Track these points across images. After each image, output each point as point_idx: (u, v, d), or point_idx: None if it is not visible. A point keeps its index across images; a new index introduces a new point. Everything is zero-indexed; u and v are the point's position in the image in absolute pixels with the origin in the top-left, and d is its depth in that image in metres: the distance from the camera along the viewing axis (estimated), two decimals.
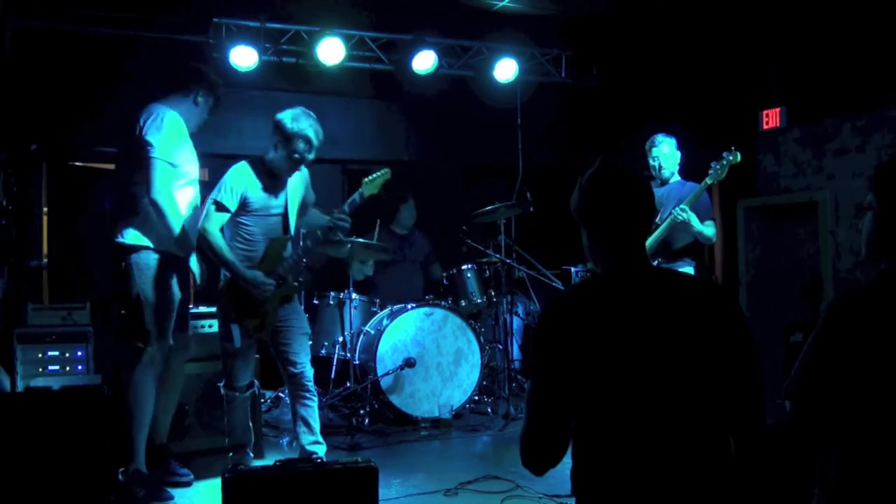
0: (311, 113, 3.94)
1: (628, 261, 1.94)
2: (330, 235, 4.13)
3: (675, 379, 1.81)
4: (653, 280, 1.93)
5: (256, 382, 4.20)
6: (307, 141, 3.86)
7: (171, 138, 3.83)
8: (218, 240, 3.79)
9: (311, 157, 3.92)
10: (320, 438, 4.05)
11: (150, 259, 3.88)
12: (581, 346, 1.83)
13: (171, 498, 3.88)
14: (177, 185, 3.88)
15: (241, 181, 3.85)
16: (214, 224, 3.79)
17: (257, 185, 3.89)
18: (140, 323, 3.86)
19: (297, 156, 3.86)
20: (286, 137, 3.83)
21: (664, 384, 1.81)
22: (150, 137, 3.77)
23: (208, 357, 4.46)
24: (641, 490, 1.80)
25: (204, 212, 3.81)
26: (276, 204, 3.97)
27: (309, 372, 4.02)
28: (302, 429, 4.00)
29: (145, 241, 3.87)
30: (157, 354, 3.92)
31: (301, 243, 4.08)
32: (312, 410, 4.01)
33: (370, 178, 4.21)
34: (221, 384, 4.07)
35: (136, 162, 3.83)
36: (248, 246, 3.90)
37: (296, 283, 4.06)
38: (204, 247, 3.81)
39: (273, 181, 3.94)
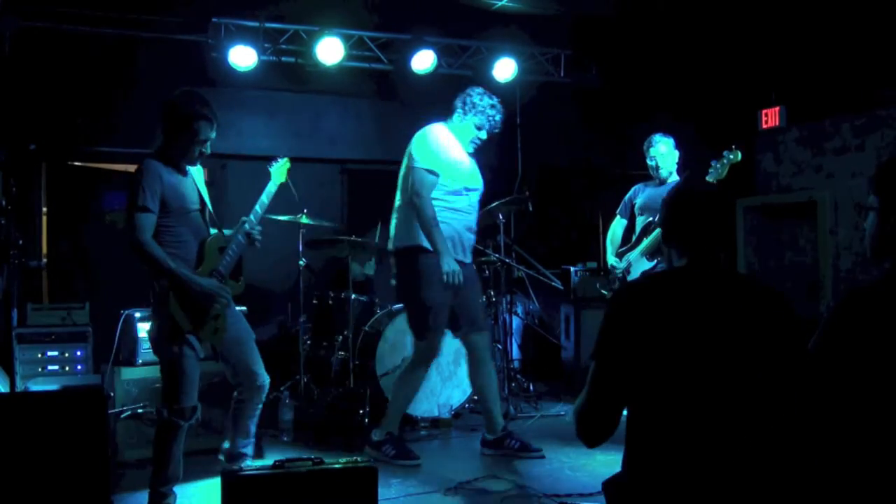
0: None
1: (699, 261, 2.06)
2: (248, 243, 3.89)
3: (731, 375, 1.90)
4: (719, 280, 2.04)
5: (200, 406, 3.75)
6: (207, 119, 3.59)
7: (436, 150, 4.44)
8: (156, 249, 3.49)
9: (213, 136, 3.66)
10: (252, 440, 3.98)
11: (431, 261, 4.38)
12: (644, 335, 1.95)
13: (418, 458, 4.49)
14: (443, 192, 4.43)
15: (156, 179, 3.53)
16: (146, 232, 3.49)
17: (170, 180, 3.59)
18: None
19: (202, 137, 3.60)
20: (185, 122, 3.56)
21: (720, 379, 1.90)
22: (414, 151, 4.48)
23: (207, 356, 4.45)
24: (691, 479, 1.87)
25: (132, 224, 3.48)
26: (191, 200, 3.68)
27: (267, 381, 3.89)
28: (241, 433, 3.89)
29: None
30: (426, 351, 4.48)
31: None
32: (257, 419, 3.95)
33: (276, 166, 4.12)
34: (165, 409, 3.61)
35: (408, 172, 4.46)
36: (179, 249, 3.60)
37: (238, 283, 3.83)
38: (142, 258, 3.51)
39: (180, 175, 3.68)
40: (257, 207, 3.88)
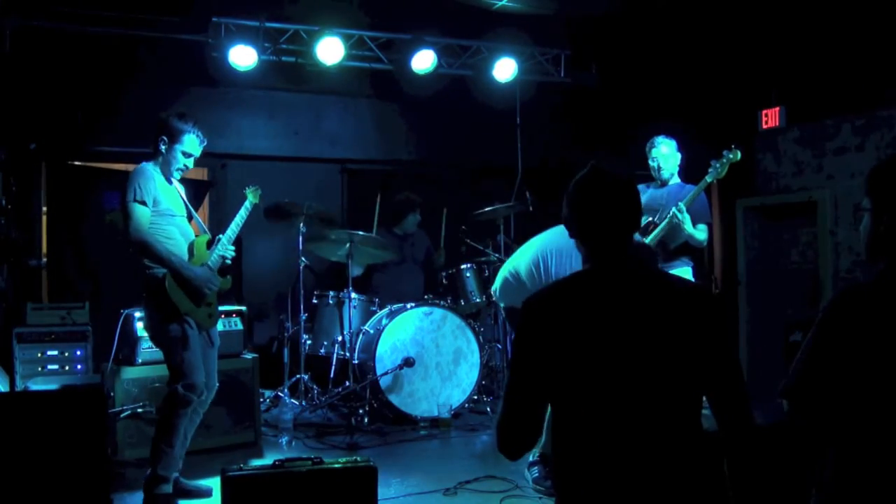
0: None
1: (607, 261, 2.01)
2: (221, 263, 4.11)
3: (645, 373, 1.89)
4: (628, 279, 2.00)
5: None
6: (198, 136, 3.91)
7: None
8: (152, 238, 3.75)
9: (198, 154, 3.97)
10: None
11: None
12: (555, 340, 1.92)
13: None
14: None
15: (149, 180, 3.81)
16: (144, 224, 3.74)
17: (161, 185, 3.88)
18: None
19: (189, 151, 3.90)
20: (176, 135, 3.87)
21: (634, 378, 1.88)
22: None
23: None
24: (614, 480, 1.86)
25: (130, 216, 3.73)
26: (177, 206, 3.96)
27: (217, 385, 4.08)
28: (181, 442, 3.89)
29: None
30: None
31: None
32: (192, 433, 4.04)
33: (250, 190, 4.33)
34: (178, 385, 3.76)
35: None
36: (170, 247, 3.84)
37: (225, 279, 4.09)
38: (141, 249, 3.75)
39: (168, 183, 3.96)
40: (232, 228, 4.11)
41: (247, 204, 4.25)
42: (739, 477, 1.91)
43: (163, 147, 3.89)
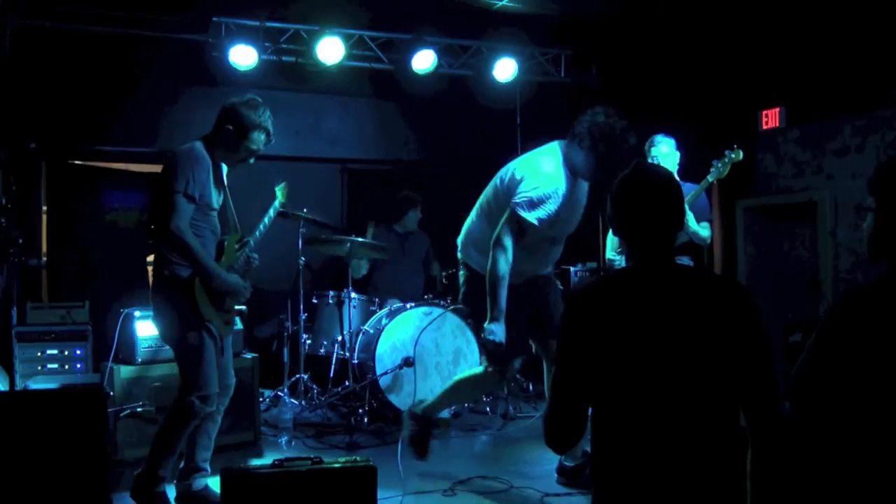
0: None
1: (650, 259, 2.04)
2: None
3: (687, 370, 1.92)
4: (671, 277, 2.03)
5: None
6: (268, 133, 3.66)
7: None
8: (191, 237, 3.45)
9: (261, 150, 3.72)
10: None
11: None
12: (600, 336, 1.96)
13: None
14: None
15: (203, 172, 3.51)
16: (185, 219, 3.44)
17: (211, 176, 3.59)
18: None
19: (255, 148, 3.64)
20: (247, 127, 3.58)
21: (677, 374, 1.91)
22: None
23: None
24: (655, 476, 1.89)
25: (174, 208, 3.41)
26: (216, 199, 3.67)
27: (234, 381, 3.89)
28: (206, 444, 3.80)
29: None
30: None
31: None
32: (218, 425, 3.85)
33: (279, 188, 4.26)
34: (194, 398, 3.54)
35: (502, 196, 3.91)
36: (201, 244, 3.56)
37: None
38: (175, 246, 3.46)
39: (217, 172, 3.67)
40: (260, 229, 3.95)
41: (276, 204, 4.12)
42: (764, 472, 1.93)
43: (226, 137, 3.59)
